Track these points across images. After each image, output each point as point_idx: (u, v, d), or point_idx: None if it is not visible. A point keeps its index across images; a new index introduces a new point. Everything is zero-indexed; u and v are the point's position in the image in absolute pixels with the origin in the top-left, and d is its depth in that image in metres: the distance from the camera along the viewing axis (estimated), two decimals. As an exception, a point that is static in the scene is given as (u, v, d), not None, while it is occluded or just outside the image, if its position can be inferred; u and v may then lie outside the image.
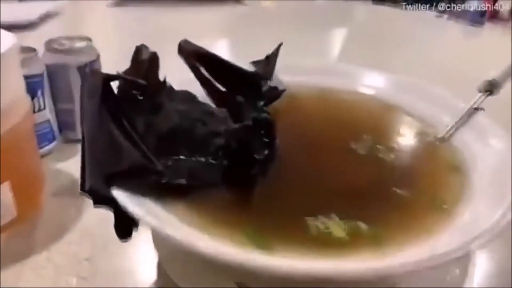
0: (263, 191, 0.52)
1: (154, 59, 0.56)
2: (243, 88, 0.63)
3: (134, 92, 0.52)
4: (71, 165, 0.73)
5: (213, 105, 0.61)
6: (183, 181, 0.49)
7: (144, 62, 0.55)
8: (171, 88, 0.58)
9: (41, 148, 0.73)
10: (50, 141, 0.76)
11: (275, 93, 0.65)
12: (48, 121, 0.74)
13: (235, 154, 0.53)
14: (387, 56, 1.23)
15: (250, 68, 0.68)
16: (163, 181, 0.48)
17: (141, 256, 0.57)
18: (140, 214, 0.42)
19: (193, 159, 0.53)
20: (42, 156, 0.74)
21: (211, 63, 0.62)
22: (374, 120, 0.66)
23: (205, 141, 0.54)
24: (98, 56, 0.78)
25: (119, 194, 0.44)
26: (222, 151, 0.53)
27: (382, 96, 0.69)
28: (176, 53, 0.62)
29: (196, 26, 1.51)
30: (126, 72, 0.56)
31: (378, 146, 0.59)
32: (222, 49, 1.23)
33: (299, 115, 0.66)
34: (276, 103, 0.65)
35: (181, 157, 0.53)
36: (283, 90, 0.66)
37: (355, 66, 0.74)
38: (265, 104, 0.63)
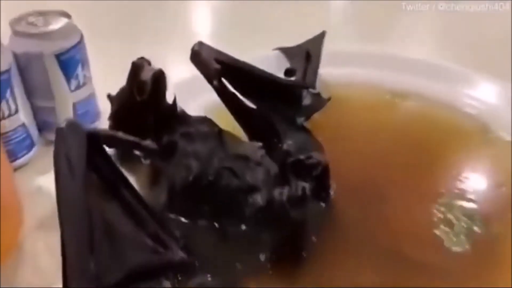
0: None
1: (159, 78, 0.40)
2: (278, 103, 0.47)
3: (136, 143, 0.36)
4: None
5: (241, 133, 0.45)
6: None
7: (146, 84, 0.39)
8: (183, 114, 0.43)
9: (19, 158, 0.58)
10: (29, 149, 0.60)
11: (318, 103, 0.49)
12: (23, 125, 0.59)
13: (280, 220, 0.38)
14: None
15: (286, 72, 0.52)
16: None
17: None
18: None
19: (219, 226, 0.38)
20: (20, 167, 0.59)
21: (236, 73, 0.46)
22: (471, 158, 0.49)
23: (236, 200, 0.39)
24: (81, 38, 0.60)
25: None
26: (261, 214, 0.38)
27: (491, 119, 0.50)
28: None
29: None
30: (121, 96, 0.40)
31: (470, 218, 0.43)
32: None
33: (351, 134, 0.51)
34: (318, 114, 0.49)
35: (202, 223, 0.39)
36: (328, 99, 0.50)
37: (448, 63, 0.55)
38: (306, 118, 0.48)
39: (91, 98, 0.63)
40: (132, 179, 0.42)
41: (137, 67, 0.41)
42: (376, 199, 0.44)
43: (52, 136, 0.61)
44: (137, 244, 0.34)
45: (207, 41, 0.46)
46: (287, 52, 0.56)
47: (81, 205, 0.32)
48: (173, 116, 0.43)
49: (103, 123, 0.66)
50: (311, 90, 0.49)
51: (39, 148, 0.62)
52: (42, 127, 0.63)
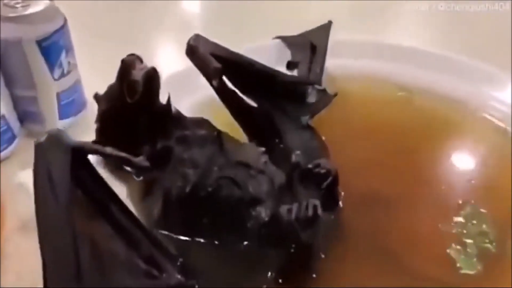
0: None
1: (152, 77, 0.36)
2: (281, 100, 0.43)
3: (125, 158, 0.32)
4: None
5: (239, 132, 0.41)
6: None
7: (138, 84, 0.35)
8: (179, 115, 0.39)
9: (-1, 153, 0.54)
10: (9, 142, 0.56)
11: (324, 100, 0.45)
12: (3, 117, 0.55)
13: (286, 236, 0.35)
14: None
15: (288, 65, 0.47)
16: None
17: None
18: None
19: (219, 243, 0.35)
20: (0, 162, 0.54)
21: (235, 69, 0.41)
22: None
23: (238, 214, 0.36)
24: (65, 22, 0.56)
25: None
26: (265, 230, 0.35)
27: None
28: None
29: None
30: (109, 96, 0.36)
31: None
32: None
33: (357, 133, 0.47)
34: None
35: (200, 240, 0.35)
36: (334, 95, 0.46)
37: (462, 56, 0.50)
38: (311, 117, 0.44)
39: (76, 86, 0.59)
40: (122, 190, 0.38)
41: (128, 65, 0.36)
42: (385, 208, 0.41)
43: (35, 128, 0.57)
44: (129, 268, 0.31)
45: (201, 31, 0.41)
46: (289, 41, 0.52)
47: (64, 228, 0.29)
48: (168, 118, 0.39)
49: (90, 113, 0.61)
50: (316, 86, 0.45)
51: (20, 140, 0.58)
52: (23, 118, 0.58)
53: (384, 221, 0.40)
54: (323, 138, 0.44)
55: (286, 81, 0.44)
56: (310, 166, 0.37)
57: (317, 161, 0.38)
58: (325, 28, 0.50)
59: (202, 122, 0.40)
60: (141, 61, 0.37)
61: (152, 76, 0.36)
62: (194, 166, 0.37)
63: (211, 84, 0.40)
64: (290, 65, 0.49)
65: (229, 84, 0.42)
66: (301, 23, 0.54)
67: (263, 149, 0.39)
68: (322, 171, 0.37)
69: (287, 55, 0.51)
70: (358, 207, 0.40)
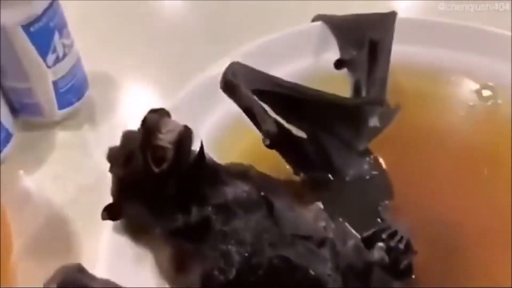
0: None
1: (185, 141, 0.28)
2: (335, 126, 0.35)
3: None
4: (43, 171, 0.48)
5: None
6: None
7: (167, 151, 0.27)
8: (213, 168, 0.31)
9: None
10: (6, 142, 0.49)
11: (385, 118, 0.37)
12: (-6, 118, 0.46)
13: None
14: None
15: (337, 63, 0.38)
16: None
17: None
18: None
19: None
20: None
21: (280, 99, 0.33)
22: None
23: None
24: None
25: None
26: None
27: None
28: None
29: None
30: (126, 157, 0.29)
31: None
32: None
33: (424, 153, 0.39)
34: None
35: None
36: (398, 109, 0.37)
37: None
38: (370, 139, 0.36)
39: (75, 69, 0.50)
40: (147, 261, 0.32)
41: (152, 127, 0.28)
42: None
43: (34, 119, 0.49)
44: None
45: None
46: (335, 25, 0.41)
47: None
48: (201, 176, 0.31)
49: (94, 93, 0.53)
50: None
51: (18, 138, 0.50)
52: (21, 110, 0.50)
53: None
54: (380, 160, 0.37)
55: (342, 105, 0.35)
56: (392, 244, 0.30)
57: (398, 233, 0.31)
58: (388, 20, 0.39)
59: (244, 174, 0.32)
60: (169, 115, 0.29)
61: (185, 139, 0.28)
62: (238, 242, 0.30)
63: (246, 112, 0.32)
64: (339, 64, 0.39)
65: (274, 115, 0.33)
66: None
67: (320, 205, 0.32)
68: (400, 246, 0.30)
69: (328, 42, 0.41)
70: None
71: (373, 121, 0.36)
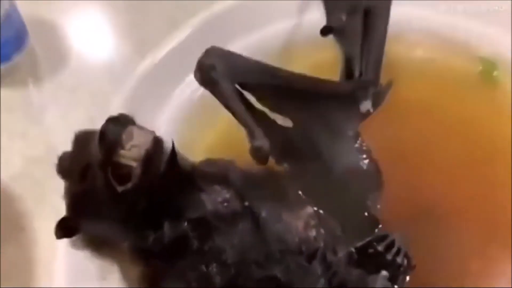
0: None
1: (154, 156, 0.23)
2: (324, 112, 0.31)
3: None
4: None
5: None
6: None
7: (133, 170, 0.23)
8: (188, 173, 0.27)
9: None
10: None
11: (377, 99, 0.33)
12: None
13: None
14: None
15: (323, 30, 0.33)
16: None
17: None
18: None
19: None
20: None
21: (265, 88, 0.28)
22: None
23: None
24: None
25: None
26: None
27: None
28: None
29: None
30: (78, 169, 0.24)
31: None
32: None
33: (418, 135, 0.36)
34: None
35: None
36: (389, 86, 0.33)
37: None
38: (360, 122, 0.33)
39: (9, 20, 0.42)
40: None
41: (112, 142, 0.23)
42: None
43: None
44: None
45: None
46: None
47: None
48: (174, 186, 0.26)
49: (34, 45, 0.45)
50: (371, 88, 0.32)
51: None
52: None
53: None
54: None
55: (331, 91, 0.30)
56: (380, 248, 0.27)
57: (381, 233, 0.28)
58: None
59: (223, 177, 0.28)
60: (132, 123, 0.23)
61: (154, 154, 0.23)
62: (220, 262, 0.26)
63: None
64: (325, 31, 0.34)
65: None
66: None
67: (311, 210, 0.28)
68: (399, 260, 0.27)
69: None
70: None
71: (366, 105, 0.31)
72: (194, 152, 0.34)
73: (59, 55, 0.46)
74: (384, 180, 0.32)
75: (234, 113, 0.27)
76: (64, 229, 0.27)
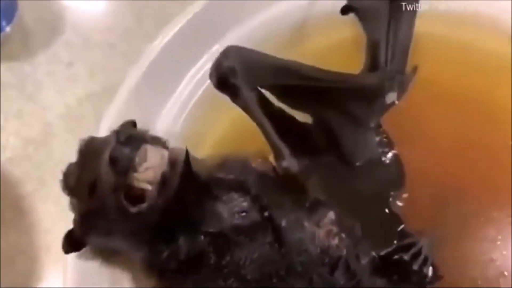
0: None
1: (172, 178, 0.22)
2: (346, 104, 0.29)
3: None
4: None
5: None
6: None
7: (149, 193, 0.21)
8: (204, 182, 0.25)
9: None
10: None
11: (402, 87, 0.31)
12: None
13: None
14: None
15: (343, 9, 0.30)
16: None
17: None
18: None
19: None
20: None
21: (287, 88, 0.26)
22: None
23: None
24: None
25: None
26: None
27: None
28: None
29: None
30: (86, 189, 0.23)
31: None
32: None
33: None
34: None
35: None
36: (414, 71, 0.31)
37: None
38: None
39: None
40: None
41: (124, 168, 0.20)
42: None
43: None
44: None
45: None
46: None
47: None
48: (189, 197, 0.24)
49: (25, 16, 0.42)
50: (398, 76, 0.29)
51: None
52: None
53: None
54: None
55: (357, 85, 0.28)
56: (406, 257, 0.26)
57: (408, 241, 0.26)
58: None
59: (239, 182, 0.26)
60: (145, 140, 0.21)
61: (171, 176, 0.21)
62: (240, 278, 0.25)
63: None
64: (345, 9, 0.31)
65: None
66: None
67: (332, 216, 0.27)
68: (425, 270, 0.26)
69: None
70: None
71: (391, 96, 0.29)
72: (202, 145, 0.32)
73: (51, 25, 0.43)
74: (406, 174, 0.31)
75: (258, 126, 0.25)
76: (72, 243, 0.25)
